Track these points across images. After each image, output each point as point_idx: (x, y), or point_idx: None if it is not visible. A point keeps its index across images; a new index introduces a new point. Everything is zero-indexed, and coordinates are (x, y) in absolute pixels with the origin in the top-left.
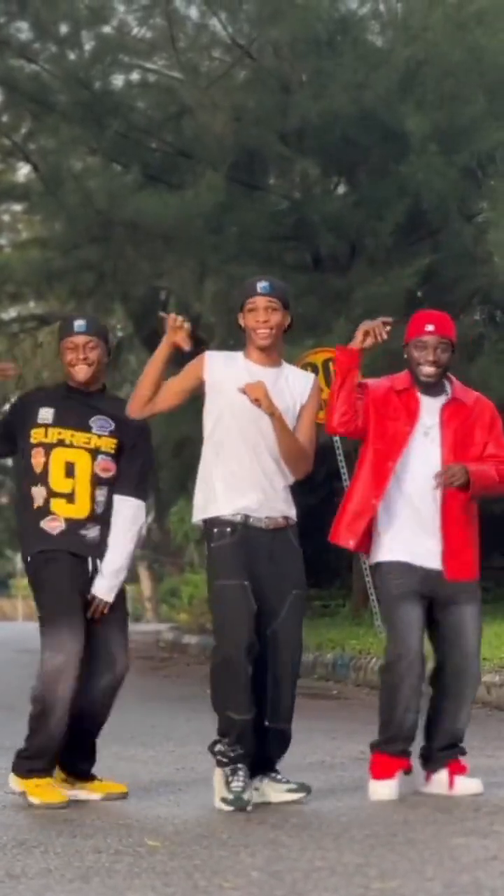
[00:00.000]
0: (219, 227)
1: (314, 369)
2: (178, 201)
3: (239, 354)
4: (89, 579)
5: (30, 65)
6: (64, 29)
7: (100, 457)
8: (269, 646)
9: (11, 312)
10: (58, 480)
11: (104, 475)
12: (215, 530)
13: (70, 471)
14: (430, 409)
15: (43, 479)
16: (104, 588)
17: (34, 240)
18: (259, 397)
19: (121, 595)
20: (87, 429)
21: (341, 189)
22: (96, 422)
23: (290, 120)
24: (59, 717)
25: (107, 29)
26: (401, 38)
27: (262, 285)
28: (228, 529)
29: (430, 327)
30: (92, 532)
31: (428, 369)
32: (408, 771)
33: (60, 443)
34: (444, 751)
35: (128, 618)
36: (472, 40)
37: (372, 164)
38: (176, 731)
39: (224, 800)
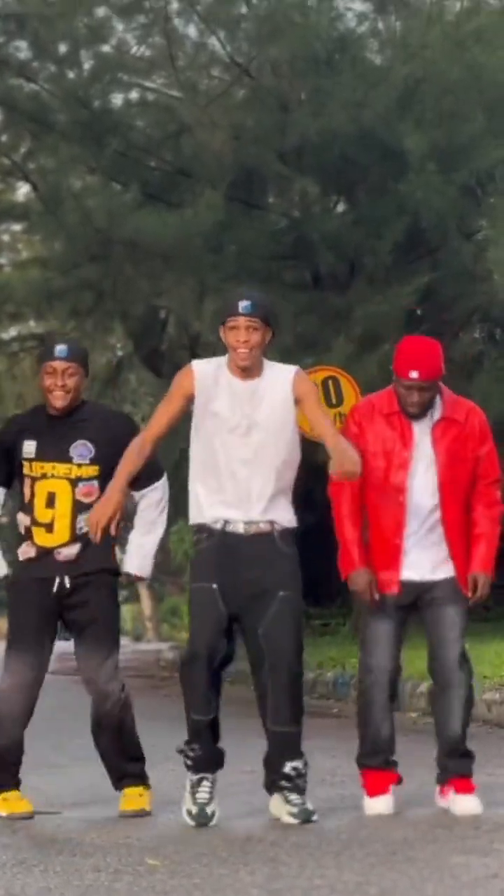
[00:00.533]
0: (218, 246)
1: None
2: (178, 220)
3: (224, 365)
4: (55, 596)
5: (29, 84)
6: (63, 48)
7: (80, 484)
8: (263, 648)
9: (11, 332)
10: (40, 510)
11: (87, 500)
12: (195, 536)
13: (51, 501)
14: (422, 428)
15: (28, 509)
16: (135, 566)
17: (34, 259)
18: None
19: (109, 623)
20: (68, 459)
21: (340, 207)
22: (76, 449)
23: (288, 138)
24: (6, 735)
25: (106, 48)
26: (399, 56)
27: (243, 305)
28: (205, 535)
29: (413, 374)
30: (66, 550)
31: (412, 410)
32: (397, 783)
33: (43, 476)
34: (447, 760)
35: (118, 640)
36: (470, 58)
37: (371, 183)
38: (175, 752)
39: (189, 812)
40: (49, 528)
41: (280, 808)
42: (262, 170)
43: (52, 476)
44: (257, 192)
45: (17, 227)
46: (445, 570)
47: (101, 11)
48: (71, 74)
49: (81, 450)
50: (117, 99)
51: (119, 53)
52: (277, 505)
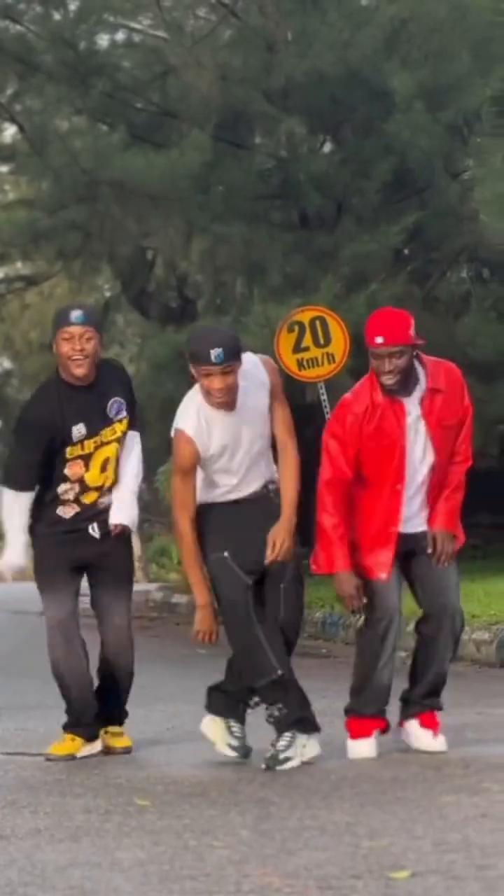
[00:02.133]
0: (205, 187)
1: (301, 328)
2: (164, 161)
3: (202, 406)
4: (88, 539)
5: (14, 25)
6: None
7: (124, 437)
8: (280, 602)
9: None
10: (94, 477)
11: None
12: (200, 504)
13: (105, 466)
14: (412, 402)
15: (75, 478)
16: (123, 516)
17: (20, 200)
18: None
19: (128, 570)
20: (110, 421)
21: (327, 147)
22: (112, 409)
23: (275, 79)
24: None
25: None
26: None
27: (216, 354)
28: (208, 505)
29: (378, 339)
30: (104, 498)
31: (386, 379)
32: (384, 730)
33: (97, 447)
34: (425, 699)
35: (130, 594)
36: None
37: (358, 123)
38: (165, 691)
39: (230, 746)
40: (100, 490)
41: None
42: (248, 110)
43: (104, 444)
44: (244, 133)
45: (3, 169)
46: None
47: None
48: (57, 15)
49: (117, 406)
50: (103, 40)
51: None
52: (266, 466)
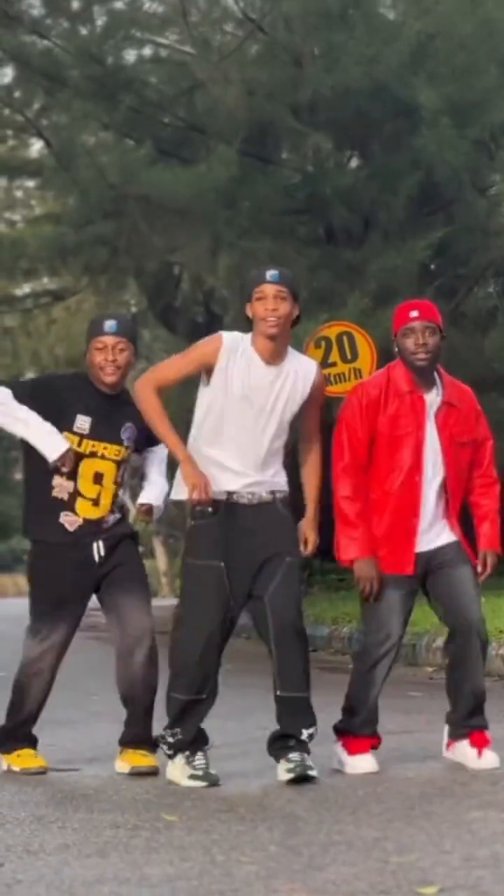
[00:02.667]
0: (232, 202)
1: (328, 343)
2: (191, 176)
3: (248, 344)
4: (93, 563)
5: (42, 40)
6: (76, 4)
7: (123, 465)
8: (268, 614)
9: (25, 288)
10: (86, 486)
11: (123, 479)
12: (198, 508)
13: (98, 479)
14: (431, 400)
15: (70, 476)
16: (150, 496)
17: (47, 215)
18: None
19: (141, 569)
20: (119, 441)
21: (354, 162)
22: (126, 432)
23: (302, 94)
24: (34, 701)
25: (118, 4)
26: (412, 11)
27: (271, 273)
28: (210, 509)
29: (414, 313)
30: (109, 519)
31: (420, 354)
32: (377, 746)
33: (93, 454)
34: (468, 720)
35: (149, 594)
36: (483, 13)
37: (384, 138)
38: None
39: (194, 777)
40: (95, 502)
41: (281, 769)
42: (275, 125)
43: (102, 457)
44: (271, 148)
45: (30, 184)
46: (448, 535)
47: None
48: (84, 31)
49: (130, 432)
50: (130, 55)
51: (132, 9)
52: (276, 472)
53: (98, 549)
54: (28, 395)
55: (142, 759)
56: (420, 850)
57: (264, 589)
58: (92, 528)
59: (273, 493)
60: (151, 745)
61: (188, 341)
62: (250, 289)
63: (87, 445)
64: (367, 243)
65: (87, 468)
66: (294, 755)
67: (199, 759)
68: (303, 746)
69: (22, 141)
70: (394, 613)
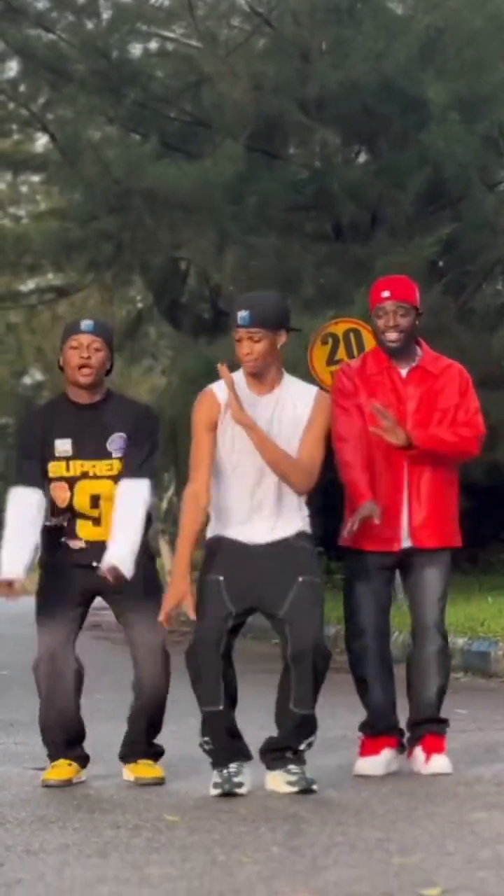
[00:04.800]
0: (238, 197)
1: (335, 340)
2: (197, 171)
3: (240, 376)
4: (97, 581)
5: (47, 34)
6: None
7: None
8: (286, 634)
9: (30, 284)
10: (84, 508)
11: None
12: (209, 539)
13: (95, 502)
14: (405, 376)
15: (68, 507)
16: (118, 559)
17: (52, 210)
18: (227, 387)
19: (152, 588)
20: (107, 455)
21: (362, 158)
22: (113, 443)
23: (309, 88)
24: (50, 705)
25: None
26: (421, 5)
27: (241, 316)
28: (221, 542)
29: (385, 293)
30: None
31: (390, 335)
32: (394, 747)
33: (84, 475)
34: (421, 724)
35: (157, 606)
36: (492, 8)
37: (392, 133)
38: (196, 706)
39: (215, 784)
40: (96, 521)
41: (278, 779)
42: (282, 120)
43: (94, 476)
44: (278, 143)
45: (35, 178)
46: (431, 539)
47: None
48: (89, 24)
49: (119, 442)
50: (136, 49)
51: (138, 3)
52: (292, 514)
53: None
54: (27, 461)
55: (147, 770)
56: (423, 852)
57: (277, 608)
58: (97, 549)
59: (286, 537)
60: (153, 755)
61: (194, 338)
62: (233, 329)
63: (76, 467)
64: (374, 239)
65: (81, 491)
66: (294, 767)
67: (231, 768)
68: (299, 756)
69: (27, 135)
70: (362, 608)
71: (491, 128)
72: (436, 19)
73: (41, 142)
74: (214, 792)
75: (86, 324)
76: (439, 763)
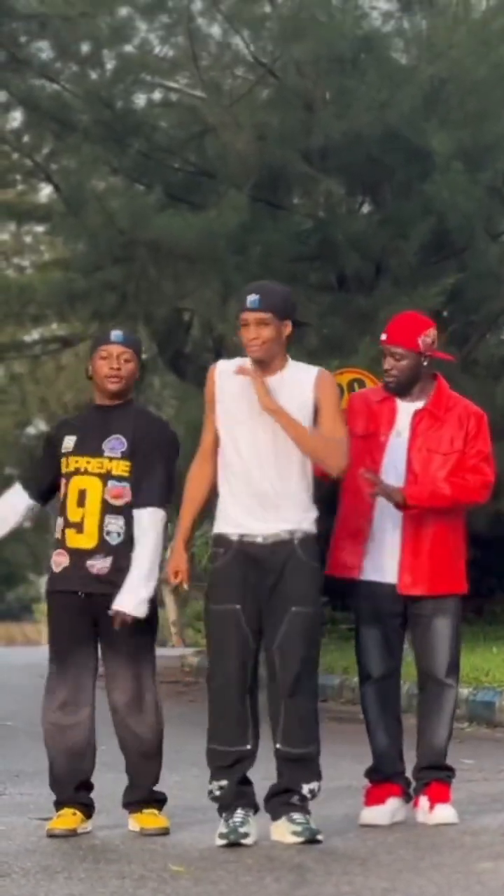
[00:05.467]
0: (242, 247)
1: (340, 390)
2: (201, 221)
3: (246, 364)
4: (99, 616)
5: (51, 84)
6: (85, 48)
7: (111, 482)
8: (272, 666)
9: (34, 334)
10: (72, 509)
11: (116, 502)
12: (213, 549)
13: (81, 499)
14: (406, 411)
15: (63, 509)
16: (123, 601)
17: (56, 261)
18: (251, 376)
19: (149, 638)
20: (100, 453)
21: (366, 208)
22: (109, 443)
23: (313, 139)
24: (57, 755)
25: (128, 48)
26: (425, 55)
27: (250, 300)
28: (222, 549)
29: (383, 336)
30: (100, 563)
31: (386, 378)
32: (400, 796)
33: (77, 471)
34: (424, 771)
35: (154, 667)
36: (496, 57)
37: (396, 183)
38: (201, 757)
39: (220, 835)
40: (79, 527)
41: (282, 829)
42: (286, 170)
43: (86, 472)
44: (282, 193)
45: (39, 229)
46: (422, 586)
47: (123, 11)
48: (93, 75)
49: (114, 443)
50: (140, 99)
51: (142, 53)
52: (296, 507)
53: (97, 596)
54: (38, 463)
55: (152, 820)
56: None
57: (272, 641)
58: (79, 567)
59: (291, 532)
60: (155, 803)
61: (198, 387)
62: (237, 313)
63: (71, 463)
64: (378, 290)
65: (72, 488)
66: (297, 816)
67: (236, 816)
68: (304, 803)
69: (31, 186)
70: (368, 652)
71: (495, 177)
72: (439, 69)
73: (45, 192)
74: (220, 842)
75: (115, 334)
76: (445, 813)
